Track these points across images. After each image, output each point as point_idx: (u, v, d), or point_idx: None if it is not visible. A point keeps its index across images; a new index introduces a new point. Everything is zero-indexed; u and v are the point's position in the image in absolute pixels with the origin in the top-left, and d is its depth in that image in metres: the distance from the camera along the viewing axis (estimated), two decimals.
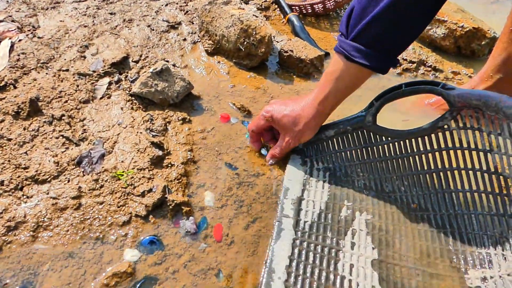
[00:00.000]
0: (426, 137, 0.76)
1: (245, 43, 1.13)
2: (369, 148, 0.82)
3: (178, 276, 0.69)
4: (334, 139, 0.86)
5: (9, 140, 0.82)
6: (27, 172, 0.78)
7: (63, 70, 1.02)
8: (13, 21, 1.19)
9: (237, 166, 0.88)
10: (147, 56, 1.14)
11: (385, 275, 0.68)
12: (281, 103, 0.86)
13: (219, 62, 1.18)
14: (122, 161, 0.82)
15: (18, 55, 1.04)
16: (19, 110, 0.87)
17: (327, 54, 1.27)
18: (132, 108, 0.95)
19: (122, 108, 0.94)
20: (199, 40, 1.25)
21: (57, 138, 0.84)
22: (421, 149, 0.76)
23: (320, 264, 0.69)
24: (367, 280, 0.67)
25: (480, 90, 0.71)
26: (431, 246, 0.72)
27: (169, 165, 0.84)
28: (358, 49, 0.73)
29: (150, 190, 0.78)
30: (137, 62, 1.12)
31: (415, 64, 1.23)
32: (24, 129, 0.85)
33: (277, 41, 1.27)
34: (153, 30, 1.25)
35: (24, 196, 0.75)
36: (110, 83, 1.01)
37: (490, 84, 0.96)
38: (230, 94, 1.08)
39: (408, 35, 0.73)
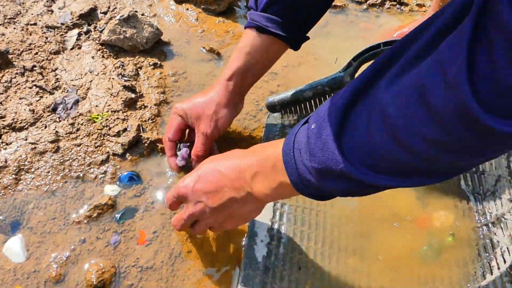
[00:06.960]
0: None
1: None
2: None
3: (157, 205, 0.74)
4: (312, 101, 0.83)
5: None
6: (3, 121, 0.80)
7: (31, 24, 1.02)
8: None
9: None
10: (116, 8, 1.14)
11: (367, 232, 0.69)
12: (190, 98, 0.78)
13: (187, 9, 1.18)
14: (97, 106, 0.85)
15: None
16: None
17: None
18: (103, 57, 0.96)
19: (93, 57, 0.96)
20: None
21: (30, 88, 0.86)
22: None
23: (302, 226, 0.69)
24: (349, 239, 0.68)
25: None
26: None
27: (143, 107, 0.87)
28: (271, 19, 0.69)
29: (125, 130, 0.81)
30: (105, 13, 1.12)
31: None
32: None
33: None
34: None
35: (3, 143, 0.78)
36: (79, 34, 1.02)
37: None
38: (200, 39, 1.09)
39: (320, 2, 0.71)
